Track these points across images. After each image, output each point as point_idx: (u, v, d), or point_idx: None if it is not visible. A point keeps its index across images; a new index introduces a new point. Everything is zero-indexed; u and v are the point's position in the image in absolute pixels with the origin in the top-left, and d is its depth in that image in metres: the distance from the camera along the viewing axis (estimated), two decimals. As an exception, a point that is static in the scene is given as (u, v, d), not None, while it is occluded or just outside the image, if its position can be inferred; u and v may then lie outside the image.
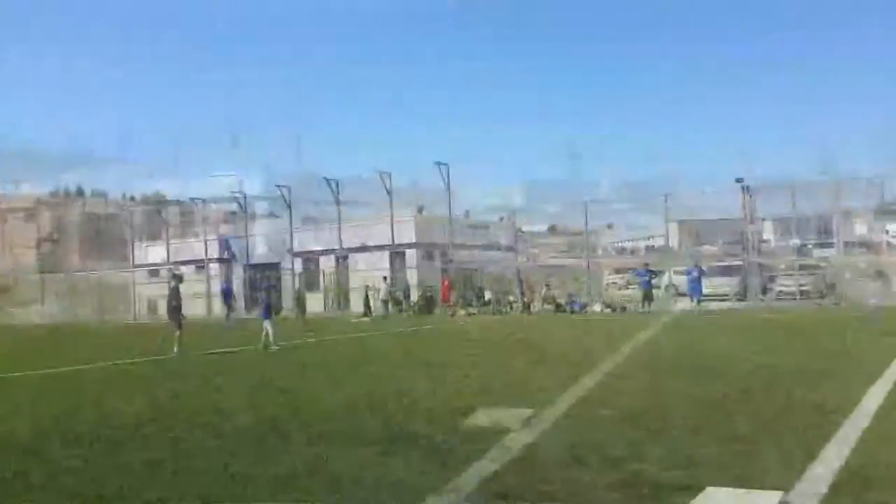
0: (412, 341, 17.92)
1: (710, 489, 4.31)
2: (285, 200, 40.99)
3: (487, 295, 32.82)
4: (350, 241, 39.44)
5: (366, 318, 30.01)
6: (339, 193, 38.45)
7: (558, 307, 30.11)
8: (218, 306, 39.41)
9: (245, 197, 43.51)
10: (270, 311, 17.29)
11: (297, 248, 41.88)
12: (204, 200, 45.88)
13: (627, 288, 34.84)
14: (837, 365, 9.81)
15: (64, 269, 50.78)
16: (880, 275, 28.05)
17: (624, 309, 29.19)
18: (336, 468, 5.21)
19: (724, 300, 29.43)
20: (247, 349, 16.43)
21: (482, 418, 6.71)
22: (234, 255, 47.35)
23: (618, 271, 42.45)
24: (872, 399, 7.12)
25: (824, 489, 4.29)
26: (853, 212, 31.41)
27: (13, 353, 18.83)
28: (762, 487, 4.36)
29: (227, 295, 33.68)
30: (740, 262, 30.93)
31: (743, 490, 4.31)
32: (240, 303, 41.69)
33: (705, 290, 27.36)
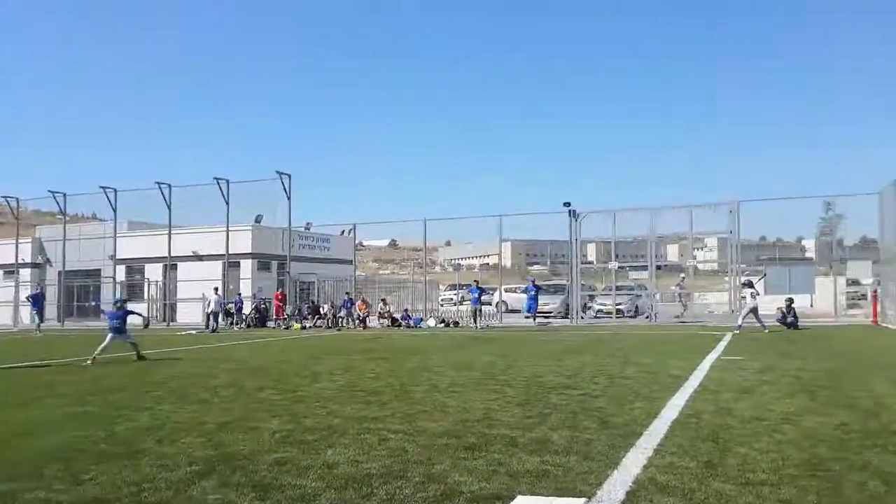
0: (224, 359, 17.36)
1: (520, 497, 4.53)
2: (110, 203, 38.49)
3: (324, 309, 32.47)
4: (181, 249, 37.65)
5: (192, 332, 28.71)
6: (170, 198, 36.59)
7: (394, 322, 30.35)
8: (27, 315, 36.27)
9: (65, 196, 40.30)
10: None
11: (120, 254, 39.39)
12: (17, 199, 41.98)
13: (462, 304, 35.74)
14: (643, 377, 10.60)
15: None
16: (688, 295, 30.75)
17: (457, 324, 29.93)
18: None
19: (548, 317, 30.99)
20: (58, 362, 15.21)
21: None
22: (48, 260, 43.80)
23: (453, 287, 43.43)
24: (671, 410, 7.76)
25: (622, 495, 4.63)
26: (666, 238, 34.25)
27: None
28: (568, 495, 4.63)
29: (37, 302, 31.05)
30: (565, 282, 32.71)
31: (550, 498, 4.56)
32: (52, 311, 38.57)
33: (531, 308, 28.80)
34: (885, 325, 23.52)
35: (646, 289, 31.07)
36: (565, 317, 30.80)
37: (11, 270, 41.15)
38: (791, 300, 23.09)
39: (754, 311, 21.55)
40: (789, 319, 22.53)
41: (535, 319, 28.25)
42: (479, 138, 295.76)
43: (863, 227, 32.43)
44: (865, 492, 4.61)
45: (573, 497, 4.57)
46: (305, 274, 37.64)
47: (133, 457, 5.96)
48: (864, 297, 30.60)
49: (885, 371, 11.02)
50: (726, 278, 29.13)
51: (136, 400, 9.47)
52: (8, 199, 42.03)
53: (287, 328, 30.72)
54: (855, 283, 33.22)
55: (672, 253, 42.40)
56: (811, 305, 29.07)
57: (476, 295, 28.39)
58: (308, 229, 42.08)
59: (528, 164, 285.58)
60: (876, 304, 24.98)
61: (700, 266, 40.52)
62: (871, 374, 10.71)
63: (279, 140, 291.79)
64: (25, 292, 37.36)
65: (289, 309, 33.28)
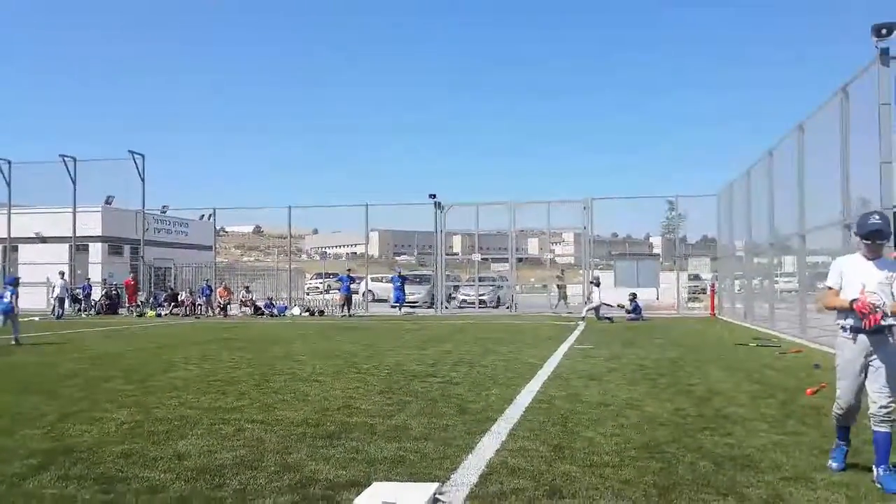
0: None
1: (376, 484, 4.58)
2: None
3: (182, 296, 31.12)
4: (22, 230, 34.90)
5: (35, 318, 26.73)
6: (10, 175, 33.79)
7: (257, 310, 29.60)
8: None
9: None
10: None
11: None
12: None
13: (328, 292, 35.37)
14: (502, 365, 10.93)
15: None
16: (546, 287, 31.96)
17: (322, 313, 29.61)
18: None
19: (413, 306, 31.31)
20: None
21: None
22: None
23: (319, 276, 42.90)
24: (525, 396, 8.08)
25: (475, 478, 4.79)
26: (526, 232, 35.40)
27: None
28: (423, 480, 4.73)
29: None
30: (430, 272, 33.13)
31: (405, 483, 4.64)
32: None
33: (397, 297, 29.08)
34: (721, 316, 25.53)
35: (507, 280, 31.96)
36: (430, 306, 31.19)
37: None
38: (634, 294, 24.58)
39: (599, 307, 23.12)
40: (631, 312, 23.91)
41: (400, 309, 28.52)
42: (349, 125, 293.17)
43: (704, 226, 34.84)
44: (697, 471, 5.00)
45: (428, 482, 4.67)
46: (161, 259, 35.90)
47: (-41, 452, 5.52)
48: (703, 291, 32.91)
49: (719, 360, 11.94)
50: (581, 271, 30.45)
51: (-34, 392, 8.74)
52: None
53: (141, 315, 29.24)
54: (696, 277, 35.66)
55: (533, 246, 43.94)
56: (656, 298, 30.98)
57: (346, 284, 28.35)
58: (164, 213, 40.06)
59: (397, 153, 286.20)
60: (713, 297, 27.11)
61: (558, 259, 42.24)
62: (707, 362, 11.58)
63: (133, 120, 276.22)
64: None
65: (143, 296, 31.66)
